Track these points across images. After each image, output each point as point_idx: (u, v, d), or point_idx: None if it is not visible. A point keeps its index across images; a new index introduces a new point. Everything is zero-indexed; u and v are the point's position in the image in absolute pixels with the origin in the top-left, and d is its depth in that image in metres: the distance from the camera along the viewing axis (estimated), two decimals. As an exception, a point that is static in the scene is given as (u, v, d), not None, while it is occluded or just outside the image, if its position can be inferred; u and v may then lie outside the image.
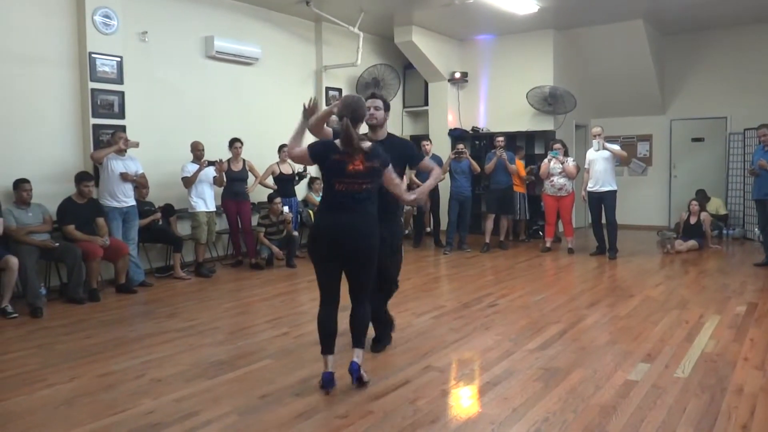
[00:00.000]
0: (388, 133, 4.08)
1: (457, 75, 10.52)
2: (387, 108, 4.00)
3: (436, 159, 8.90)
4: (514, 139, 10.22)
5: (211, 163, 7.00)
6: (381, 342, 4.21)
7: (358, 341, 3.54)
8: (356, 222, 3.40)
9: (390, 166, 3.54)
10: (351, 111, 3.41)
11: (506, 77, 10.41)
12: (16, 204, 5.70)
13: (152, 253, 7.28)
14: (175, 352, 4.22)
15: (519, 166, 9.18)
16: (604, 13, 9.11)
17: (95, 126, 6.55)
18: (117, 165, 6.31)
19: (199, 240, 7.09)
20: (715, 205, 9.99)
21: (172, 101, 7.47)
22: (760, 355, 3.98)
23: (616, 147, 8.16)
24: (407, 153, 4.11)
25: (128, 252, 6.26)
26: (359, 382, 3.47)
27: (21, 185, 5.67)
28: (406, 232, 9.44)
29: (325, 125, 3.79)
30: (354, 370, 3.44)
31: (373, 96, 3.97)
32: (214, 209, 7.28)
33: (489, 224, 8.85)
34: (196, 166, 6.96)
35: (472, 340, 4.43)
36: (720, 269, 7.24)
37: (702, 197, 9.88)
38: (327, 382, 3.40)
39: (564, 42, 10.21)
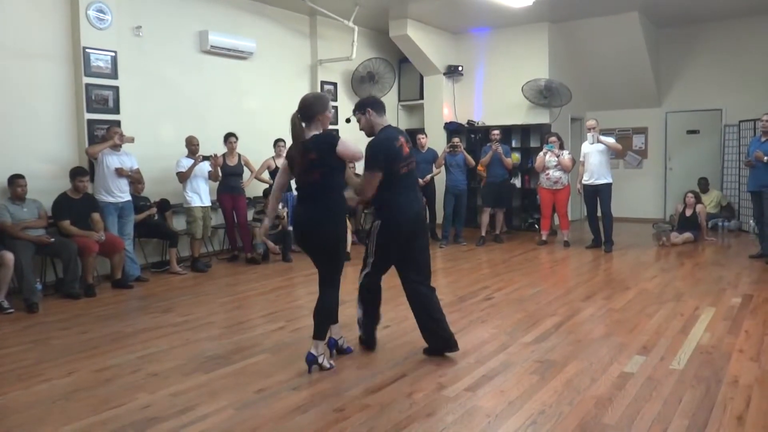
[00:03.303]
0: (384, 127, 3.93)
1: (453, 68, 10.51)
2: (362, 110, 3.86)
3: (432, 153, 8.95)
4: (509, 133, 10.22)
5: (206, 158, 6.99)
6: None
7: (314, 332, 3.67)
8: (311, 212, 3.59)
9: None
10: (301, 108, 3.62)
11: (502, 70, 10.40)
12: (11, 199, 5.68)
13: (148, 248, 7.27)
14: (171, 347, 4.22)
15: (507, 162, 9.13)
16: (599, 5, 9.11)
17: (90, 121, 6.53)
18: (112, 160, 6.29)
19: (194, 235, 7.09)
20: (717, 198, 10.00)
21: (166, 96, 7.45)
22: (755, 347, 4.00)
23: (610, 140, 8.17)
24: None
25: (124, 247, 6.25)
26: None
27: (16, 181, 5.66)
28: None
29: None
30: (309, 360, 3.63)
31: (354, 111, 3.95)
32: (210, 204, 7.27)
33: (485, 218, 8.86)
34: (190, 161, 6.95)
35: (468, 333, 4.44)
36: (715, 261, 7.26)
37: (704, 185, 9.91)
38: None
39: (559, 35, 10.20)
